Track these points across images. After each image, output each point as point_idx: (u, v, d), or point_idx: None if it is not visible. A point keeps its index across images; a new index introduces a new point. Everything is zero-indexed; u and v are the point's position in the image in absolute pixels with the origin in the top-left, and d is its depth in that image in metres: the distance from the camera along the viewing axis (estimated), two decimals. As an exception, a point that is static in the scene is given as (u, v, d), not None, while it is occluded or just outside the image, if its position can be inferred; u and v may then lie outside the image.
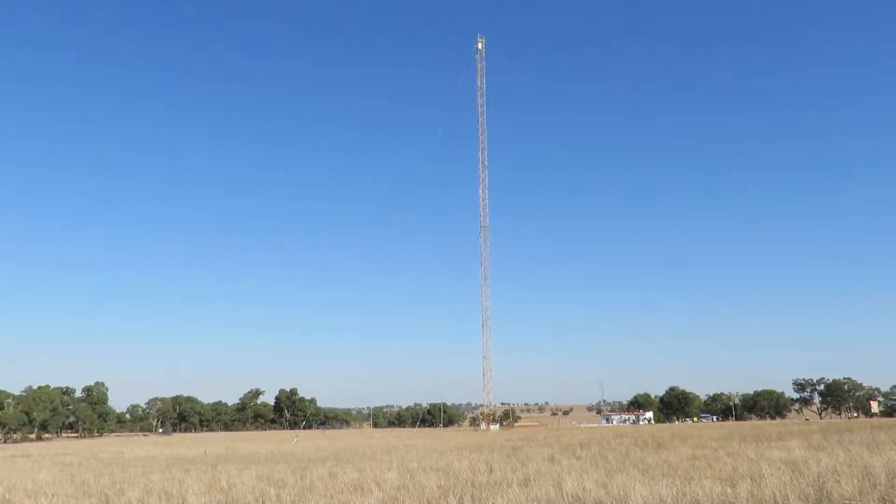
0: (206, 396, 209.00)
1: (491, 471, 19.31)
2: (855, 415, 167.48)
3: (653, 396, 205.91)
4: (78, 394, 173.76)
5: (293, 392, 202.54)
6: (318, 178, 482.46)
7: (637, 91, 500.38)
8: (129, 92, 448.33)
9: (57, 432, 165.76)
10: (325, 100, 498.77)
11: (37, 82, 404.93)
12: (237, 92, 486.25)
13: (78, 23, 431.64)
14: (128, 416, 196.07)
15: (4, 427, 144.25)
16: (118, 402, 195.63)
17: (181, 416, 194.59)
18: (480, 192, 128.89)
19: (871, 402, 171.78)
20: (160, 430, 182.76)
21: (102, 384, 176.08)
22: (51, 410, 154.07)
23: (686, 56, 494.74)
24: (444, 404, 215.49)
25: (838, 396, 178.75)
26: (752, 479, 13.75)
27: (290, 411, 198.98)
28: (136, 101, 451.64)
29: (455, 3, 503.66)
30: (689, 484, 13.28)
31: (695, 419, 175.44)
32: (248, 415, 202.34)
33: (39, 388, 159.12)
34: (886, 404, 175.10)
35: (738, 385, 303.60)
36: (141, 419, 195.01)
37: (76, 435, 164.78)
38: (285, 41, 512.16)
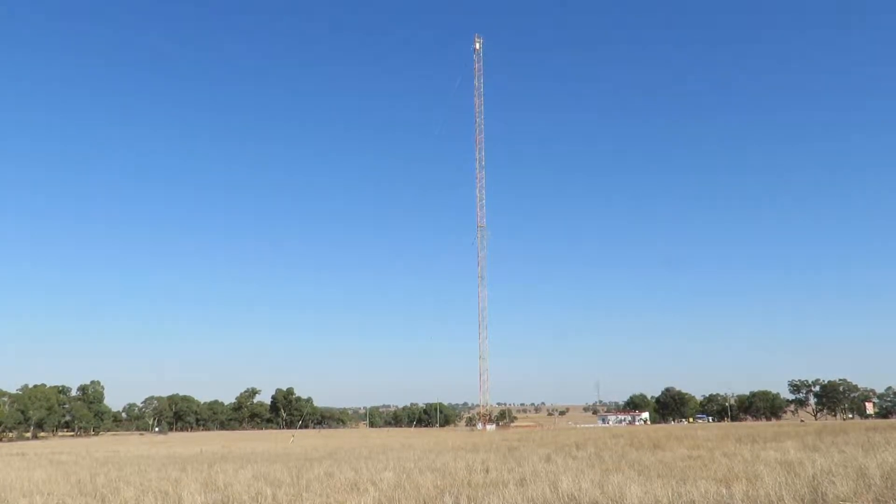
0: (203, 396, 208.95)
1: (487, 471, 19.33)
2: (850, 416, 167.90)
3: (649, 397, 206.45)
4: (74, 392, 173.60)
5: (290, 391, 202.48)
6: (315, 179, 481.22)
7: (635, 91, 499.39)
8: (128, 92, 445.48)
9: (53, 431, 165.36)
10: (321, 100, 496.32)
11: (37, 82, 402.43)
12: (234, 92, 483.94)
13: (79, 23, 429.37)
14: (124, 415, 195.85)
15: (0, 425, 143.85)
16: (114, 401, 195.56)
17: (177, 415, 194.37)
18: (477, 192, 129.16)
19: (867, 404, 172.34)
20: (156, 429, 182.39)
21: (98, 383, 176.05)
22: (47, 409, 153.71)
23: (684, 56, 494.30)
24: (441, 404, 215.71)
25: (834, 398, 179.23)
26: (747, 480, 13.80)
27: (287, 411, 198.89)
28: (135, 100, 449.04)
29: (453, 3, 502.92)
30: (685, 484, 13.32)
31: (691, 420, 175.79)
32: (244, 414, 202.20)
33: (35, 386, 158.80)
34: (881, 406, 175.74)
35: (734, 386, 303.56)
36: (137, 418, 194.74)
37: (72, 434, 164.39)
38: (283, 41, 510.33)
